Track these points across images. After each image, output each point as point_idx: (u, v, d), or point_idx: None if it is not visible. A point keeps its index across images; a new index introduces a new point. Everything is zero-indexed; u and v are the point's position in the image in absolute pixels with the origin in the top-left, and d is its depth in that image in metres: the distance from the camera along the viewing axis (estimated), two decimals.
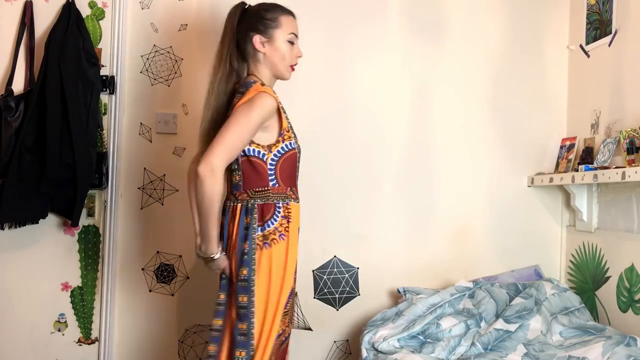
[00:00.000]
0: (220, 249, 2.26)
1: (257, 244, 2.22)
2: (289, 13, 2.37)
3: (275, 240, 2.24)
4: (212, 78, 2.33)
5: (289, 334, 2.36)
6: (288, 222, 2.27)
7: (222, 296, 2.29)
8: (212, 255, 2.25)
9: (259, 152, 2.25)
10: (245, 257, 2.21)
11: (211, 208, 2.15)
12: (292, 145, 2.31)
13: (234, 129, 2.17)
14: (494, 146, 3.23)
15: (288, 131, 2.30)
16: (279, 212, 2.26)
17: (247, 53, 2.35)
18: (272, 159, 2.26)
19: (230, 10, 2.37)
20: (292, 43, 2.35)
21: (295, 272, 2.31)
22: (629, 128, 2.65)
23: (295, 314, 3.08)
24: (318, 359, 3.13)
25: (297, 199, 2.34)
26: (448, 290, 2.94)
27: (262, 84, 2.30)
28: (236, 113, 2.19)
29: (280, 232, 2.25)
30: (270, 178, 2.27)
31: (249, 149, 2.24)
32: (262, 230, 2.23)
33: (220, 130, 2.17)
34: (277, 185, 2.27)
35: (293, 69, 2.38)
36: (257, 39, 2.32)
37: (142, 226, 3.09)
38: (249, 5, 2.39)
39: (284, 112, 2.32)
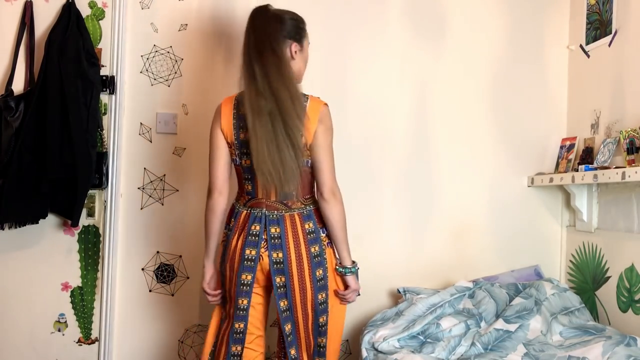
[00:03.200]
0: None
1: (324, 244, 2.35)
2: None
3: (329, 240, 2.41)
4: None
5: None
6: None
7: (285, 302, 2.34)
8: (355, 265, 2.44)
9: (308, 161, 2.36)
10: (317, 258, 2.33)
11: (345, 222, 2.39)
12: None
13: (332, 152, 2.39)
14: (494, 146, 3.23)
15: None
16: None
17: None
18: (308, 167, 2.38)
19: (258, 14, 2.33)
20: None
21: None
22: (629, 128, 2.65)
23: None
24: None
25: None
26: (448, 290, 2.93)
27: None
28: (328, 136, 2.38)
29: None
30: (311, 185, 2.40)
31: (307, 160, 2.34)
32: (323, 232, 2.37)
33: (323, 160, 2.34)
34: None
35: None
36: (294, 47, 2.38)
37: (142, 226, 3.09)
38: (273, 9, 2.38)
39: None
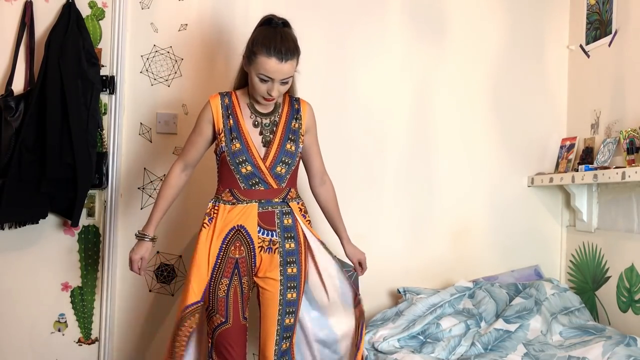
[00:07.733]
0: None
1: None
2: None
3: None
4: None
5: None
6: (209, 221, 2.35)
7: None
8: None
9: None
10: None
11: None
12: (223, 149, 2.33)
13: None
14: (494, 146, 3.23)
15: (220, 133, 2.33)
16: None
17: None
18: None
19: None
20: None
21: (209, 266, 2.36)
22: (629, 128, 2.65)
23: None
24: None
25: (232, 202, 2.33)
26: (448, 290, 2.94)
27: None
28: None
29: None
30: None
31: None
32: None
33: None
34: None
35: None
36: None
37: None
38: None
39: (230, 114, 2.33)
